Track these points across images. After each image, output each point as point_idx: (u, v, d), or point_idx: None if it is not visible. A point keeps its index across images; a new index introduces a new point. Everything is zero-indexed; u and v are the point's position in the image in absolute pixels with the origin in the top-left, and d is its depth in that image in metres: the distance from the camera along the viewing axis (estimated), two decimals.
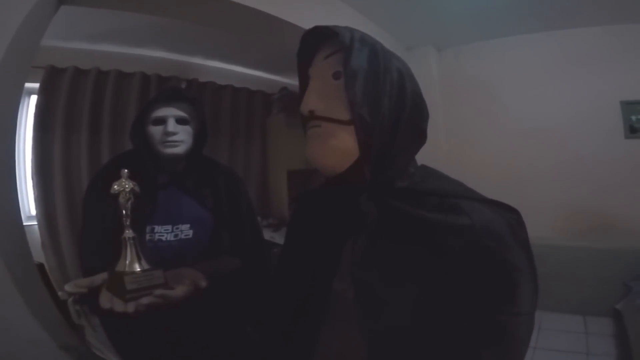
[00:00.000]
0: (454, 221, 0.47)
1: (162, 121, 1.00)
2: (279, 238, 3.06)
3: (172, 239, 1.00)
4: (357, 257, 0.53)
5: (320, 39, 0.58)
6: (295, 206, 0.77)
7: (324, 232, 0.60)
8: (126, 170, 0.77)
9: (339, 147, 0.52)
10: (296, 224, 0.74)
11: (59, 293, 2.02)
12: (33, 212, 2.43)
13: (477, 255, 0.45)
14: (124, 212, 0.75)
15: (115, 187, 0.75)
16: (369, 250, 0.52)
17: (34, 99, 2.41)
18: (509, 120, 2.97)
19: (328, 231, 0.59)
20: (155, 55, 2.88)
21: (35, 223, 2.39)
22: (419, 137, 0.57)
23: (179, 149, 1.01)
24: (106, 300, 0.69)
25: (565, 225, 2.67)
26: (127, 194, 0.75)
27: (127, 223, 0.75)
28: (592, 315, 2.44)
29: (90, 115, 2.52)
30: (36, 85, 2.34)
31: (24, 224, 2.39)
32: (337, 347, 0.56)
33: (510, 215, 0.49)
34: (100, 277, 0.74)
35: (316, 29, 0.56)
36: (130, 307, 0.66)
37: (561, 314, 2.38)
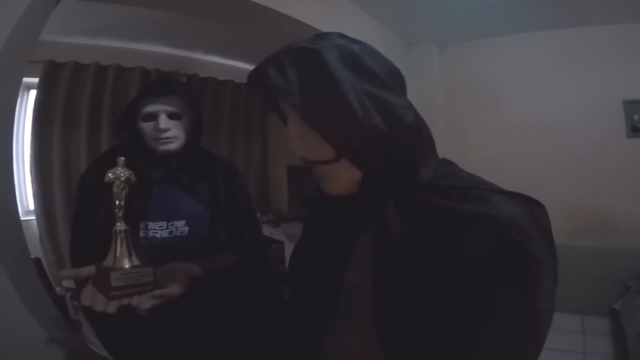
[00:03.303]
0: (479, 211, 0.47)
1: (153, 117, 0.96)
2: (278, 234, 3.06)
3: (167, 235, 0.97)
4: (376, 249, 0.52)
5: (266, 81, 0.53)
6: (312, 202, 0.75)
7: (338, 224, 0.59)
8: (123, 158, 0.73)
9: (345, 180, 0.52)
10: (312, 219, 0.73)
11: (57, 289, 2.02)
12: (32, 206, 2.43)
13: (501, 247, 0.45)
14: (117, 202, 0.71)
15: (110, 175, 0.71)
16: (389, 242, 0.51)
17: (33, 93, 2.40)
18: (511, 118, 2.95)
19: (342, 223, 0.58)
20: (155, 50, 2.87)
21: (34, 218, 2.39)
22: (417, 133, 0.53)
23: (173, 146, 0.97)
24: (87, 297, 0.64)
25: (564, 223, 2.66)
26: (122, 183, 0.71)
27: (120, 215, 0.71)
28: (590, 314, 2.44)
29: (90, 110, 2.51)
30: (35, 80, 2.33)
31: (23, 218, 2.41)
32: (349, 341, 0.55)
33: (535, 209, 0.48)
34: (87, 270, 0.71)
35: (254, 73, 0.53)
36: (111, 308, 0.62)
37: (558, 313, 2.33)
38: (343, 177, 0.52)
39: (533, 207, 0.48)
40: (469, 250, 0.46)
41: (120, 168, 0.72)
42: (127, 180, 0.72)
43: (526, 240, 0.45)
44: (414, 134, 0.52)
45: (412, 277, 0.48)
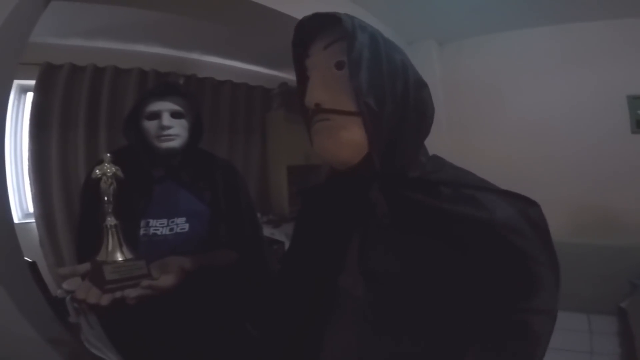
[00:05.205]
0: (472, 213, 0.46)
1: (156, 115, 1.00)
2: (278, 234, 3.05)
3: (168, 232, 0.99)
4: (365, 251, 0.51)
5: (317, 27, 0.55)
6: (301, 203, 0.75)
7: (330, 226, 0.58)
8: (109, 154, 0.74)
9: (351, 140, 0.51)
10: (303, 220, 0.72)
11: (58, 291, 2.01)
12: (31, 209, 2.42)
13: (496, 250, 0.44)
14: (105, 198, 0.73)
15: (97, 171, 0.73)
16: (379, 243, 0.51)
17: (30, 96, 2.39)
18: (512, 115, 2.92)
19: (334, 225, 0.57)
20: (152, 51, 2.86)
21: (33, 221, 2.38)
22: (425, 125, 0.55)
23: (175, 143, 1.01)
24: (82, 291, 0.66)
25: (569, 221, 2.63)
26: (109, 179, 0.72)
27: (109, 210, 0.73)
28: (597, 313, 2.41)
29: (87, 112, 2.50)
30: (32, 82, 2.32)
31: (23, 221, 2.41)
32: (344, 346, 0.54)
33: (530, 208, 0.47)
34: (84, 267, 0.73)
35: (316, 16, 0.54)
36: (105, 300, 0.64)
37: (565, 312, 2.32)
38: (351, 133, 0.50)
39: (527, 206, 0.47)
40: (462, 254, 0.45)
41: (106, 164, 0.73)
42: (114, 175, 0.73)
43: (522, 242, 0.44)
44: (429, 123, 0.55)
45: (402, 279, 0.47)
